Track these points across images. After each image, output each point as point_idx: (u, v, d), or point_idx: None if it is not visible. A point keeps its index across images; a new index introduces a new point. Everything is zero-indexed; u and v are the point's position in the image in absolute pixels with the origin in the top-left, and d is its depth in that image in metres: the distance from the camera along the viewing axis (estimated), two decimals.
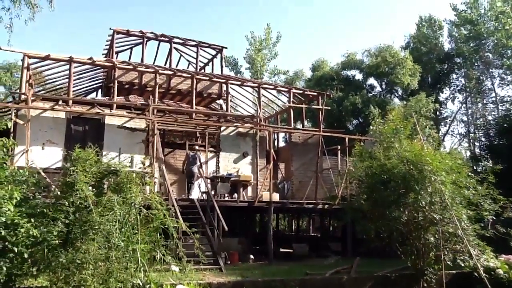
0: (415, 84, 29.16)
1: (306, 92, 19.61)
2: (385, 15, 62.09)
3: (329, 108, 20.34)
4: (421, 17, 34.44)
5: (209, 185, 14.56)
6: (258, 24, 73.79)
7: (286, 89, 19.52)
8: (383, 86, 32.78)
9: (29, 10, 12.04)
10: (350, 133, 21.31)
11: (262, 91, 18.60)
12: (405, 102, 28.95)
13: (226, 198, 15.13)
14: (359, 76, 32.81)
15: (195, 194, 14.99)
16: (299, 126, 23.55)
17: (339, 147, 17.44)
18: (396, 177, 10.92)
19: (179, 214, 11.23)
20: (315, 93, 19.52)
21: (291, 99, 18.56)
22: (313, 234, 23.47)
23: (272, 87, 20.24)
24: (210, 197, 13.52)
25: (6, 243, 6.45)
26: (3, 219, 6.48)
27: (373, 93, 32.77)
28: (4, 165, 7.47)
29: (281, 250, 16.44)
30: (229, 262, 13.16)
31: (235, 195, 15.33)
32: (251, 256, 14.29)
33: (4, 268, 6.42)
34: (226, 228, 12.57)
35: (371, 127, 17.94)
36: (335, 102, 28.28)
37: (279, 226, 24.68)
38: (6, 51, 14.34)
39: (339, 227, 19.89)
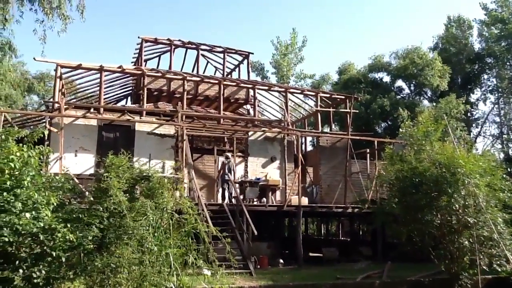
0: (445, 85, 28.59)
1: (333, 96, 19.53)
2: (412, 16, 61.30)
3: (357, 111, 20.17)
4: (449, 17, 33.77)
5: (237, 190, 14.64)
6: (284, 29, 73.75)
7: (313, 93, 19.47)
8: (412, 88, 32.24)
9: (61, 22, 12.39)
10: (379, 136, 21.09)
11: (289, 95, 18.61)
12: (434, 104, 28.41)
13: (255, 203, 15.17)
14: (386, 78, 32.42)
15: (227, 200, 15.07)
16: (326, 129, 23.43)
17: (368, 150, 17.26)
18: (428, 180, 10.76)
19: (208, 218, 11.33)
20: (343, 97, 19.41)
21: (318, 103, 18.49)
22: (342, 238, 23.26)
23: (299, 91, 20.24)
24: (239, 202, 13.58)
25: (45, 248, 6.64)
26: (41, 224, 6.66)
27: (401, 95, 32.28)
28: (41, 171, 7.69)
29: (311, 254, 16.37)
30: (258, 266, 13.18)
31: (264, 199, 15.36)
32: (281, 261, 14.29)
33: (43, 272, 6.60)
34: (256, 233, 12.60)
35: (400, 130, 17.71)
36: (363, 105, 28.00)
37: (308, 230, 24.57)
38: (39, 62, 14.83)
39: (369, 231, 19.64)
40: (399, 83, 32.59)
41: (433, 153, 11.25)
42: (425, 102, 31.80)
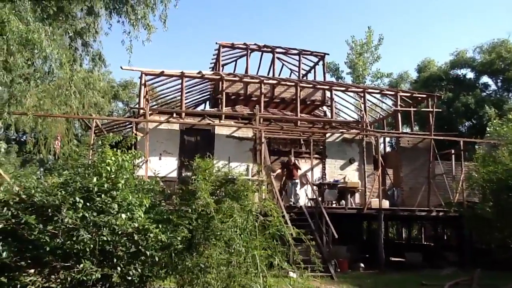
0: None
1: (414, 95, 18.78)
2: (498, 7, 57.49)
3: (439, 110, 19.28)
4: None
5: (316, 192, 14.56)
6: (359, 28, 72.32)
7: (392, 93, 18.91)
8: (499, 84, 30.17)
9: (146, 32, 13.04)
10: (463, 136, 20.00)
11: (366, 95, 18.21)
12: None
13: (333, 205, 15.01)
14: (470, 74, 30.63)
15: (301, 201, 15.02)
16: (406, 130, 22.61)
17: (453, 151, 16.44)
18: None
19: (288, 221, 11.36)
20: (424, 95, 18.65)
21: (398, 103, 17.91)
22: (425, 243, 22.31)
23: (377, 91, 19.74)
24: (318, 204, 13.51)
25: (139, 247, 7.02)
26: (136, 224, 7.06)
27: (487, 92, 30.37)
28: (133, 174, 8.15)
29: (392, 259, 15.88)
30: (338, 270, 13.00)
31: (343, 202, 15.15)
32: (361, 265, 14.01)
33: (138, 270, 6.99)
34: (336, 235, 12.45)
35: (488, 129, 16.72)
36: (444, 104, 26.69)
37: (388, 234, 23.82)
38: (125, 70, 15.72)
39: (455, 236, 18.66)
40: (485, 79, 30.65)
41: None
42: None
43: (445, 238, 21.19)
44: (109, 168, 7.42)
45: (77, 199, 6.98)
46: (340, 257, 13.63)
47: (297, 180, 15.09)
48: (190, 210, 7.42)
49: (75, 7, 9.75)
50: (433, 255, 16.40)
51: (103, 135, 11.34)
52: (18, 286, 6.90)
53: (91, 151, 9.41)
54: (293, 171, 15.14)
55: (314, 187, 15.26)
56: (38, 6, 8.97)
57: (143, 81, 15.90)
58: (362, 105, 18.34)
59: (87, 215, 6.97)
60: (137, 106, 16.74)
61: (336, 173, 16.61)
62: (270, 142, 16.41)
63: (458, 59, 30.09)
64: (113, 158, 7.54)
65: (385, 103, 21.90)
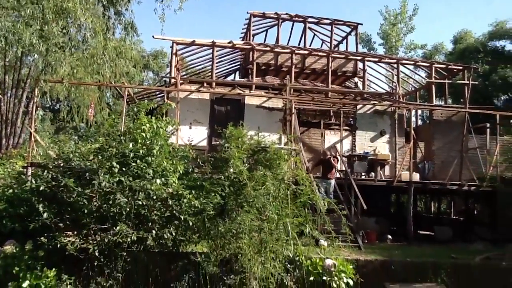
0: None
1: (449, 67, 18.21)
2: None
3: (475, 83, 18.68)
4: None
5: (346, 164, 14.49)
6: None
7: (427, 64, 18.40)
8: None
9: (178, 0, 13.01)
10: (499, 110, 19.39)
11: (400, 67, 17.78)
12: None
13: (363, 177, 14.94)
14: (510, 46, 29.55)
15: None
16: (439, 103, 22.09)
17: (488, 124, 15.99)
18: None
19: (316, 191, 11.38)
20: (460, 67, 18.06)
21: (433, 75, 17.44)
22: (455, 217, 22.05)
23: (411, 62, 19.23)
24: (348, 176, 13.46)
25: (174, 211, 7.21)
26: (170, 190, 7.24)
27: None
28: (167, 141, 8.31)
29: (420, 232, 15.78)
30: (366, 241, 13.01)
31: (372, 174, 15.06)
32: (389, 236, 13.97)
33: (173, 234, 7.20)
34: (365, 207, 12.43)
35: None
36: (480, 77, 25.86)
37: (417, 208, 23.61)
38: (157, 39, 15.78)
39: (487, 211, 18.35)
40: None
41: None
42: None
43: (476, 213, 20.85)
44: (144, 135, 7.58)
45: (114, 164, 7.19)
46: (368, 229, 13.62)
47: (332, 180, 12.86)
48: (222, 177, 7.53)
49: None
50: (464, 229, 16.21)
51: (136, 104, 11.54)
52: (58, 246, 7.22)
53: (123, 119, 9.60)
54: (329, 168, 12.98)
55: (344, 158, 15.18)
56: None
57: (174, 51, 15.93)
58: (395, 77, 17.94)
59: (123, 179, 7.19)
60: (168, 75, 16.84)
61: (366, 145, 16.45)
62: (300, 113, 16.31)
63: (497, 30, 28.89)
64: (148, 125, 7.68)
65: (419, 75, 21.42)
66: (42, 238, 7.19)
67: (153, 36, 15.31)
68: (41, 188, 7.25)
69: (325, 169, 12.93)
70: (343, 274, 7.78)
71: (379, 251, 11.51)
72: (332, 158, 13.15)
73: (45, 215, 7.12)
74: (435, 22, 59.37)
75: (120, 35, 11.62)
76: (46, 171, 7.42)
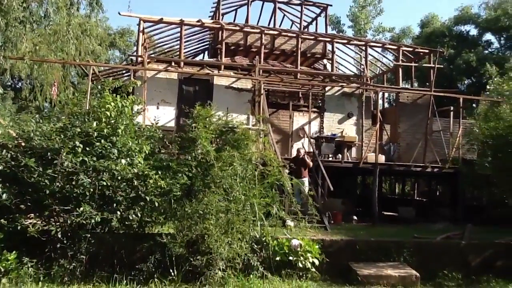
0: None
1: (416, 50, 18.49)
2: None
3: (441, 66, 19.03)
4: None
5: (313, 145, 14.59)
6: None
7: (395, 47, 18.62)
8: (502, 42, 29.76)
9: None
10: (462, 94, 19.88)
11: (368, 49, 17.91)
12: None
13: (330, 159, 15.09)
14: (474, 31, 30.13)
15: None
16: (406, 86, 22.46)
17: (452, 108, 16.38)
18: None
19: (284, 172, 11.43)
20: (427, 50, 18.36)
21: (400, 58, 17.67)
22: (418, 198, 22.69)
23: (379, 45, 19.42)
24: (316, 157, 13.56)
25: (139, 192, 7.08)
26: (135, 170, 7.10)
27: (489, 50, 29.97)
28: (133, 121, 8.11)
29: (385, 213, 16.15)
30: (332, 221, 13.21)
31: (339, 155, 15.23)
32: (354, 217, 14.25)
33: (139, 215, 7.08)
34: (332, 188, 12.58)
35: (488, 87, 16.60)
36: (445, 61, 26.39)
37: (382, 189, 24.16)
38: (123, 16, 15.30)
39: (448, 192, 18.93)
40: (488, 36, 30.21)
41: None
42: None
43: (439, 194, 21.51)
44: (108, 113, 7.37)
45: (77, 143, 6.99)
46: (335, 210, 13.80)
47: (305, 179, 12.55)
48: (189, 157, 7.44)
49: None
50: (426, 210, 16.69)
51: (100, 81, 11.21)
52: (18, 228, 7.01)
53: (88, 99, 9.31)
54: (303, 167, 12.63)
55: (312, 140, 15.28)
56: None
57: (141, 28, 15.52)
58: (363, 59, 18.08)
59: (86, 159, 7.00)
60: (134, 54, 16.42)
61: (334, 127, 16.59)
62: (269, 95, 16.24)
63: (462, 15, 29.51)
64: (112, 103, 7.48)
65: (387, 58, 21.64)
66: (1, 220, 6.97)
67: (119, 13, 14.89)
68: (0, 168, 6.98)
69: (299, 168, 12.24)
70: (309, 254, 7.89)
71: (345, 231, 11.69)
72: (306, 156, 12.95)
73: (4, 196, 6.86)
74: (403, 5, 60.06)
75: (85, 11, 11.15)
76: (5, 150, 7.13)
